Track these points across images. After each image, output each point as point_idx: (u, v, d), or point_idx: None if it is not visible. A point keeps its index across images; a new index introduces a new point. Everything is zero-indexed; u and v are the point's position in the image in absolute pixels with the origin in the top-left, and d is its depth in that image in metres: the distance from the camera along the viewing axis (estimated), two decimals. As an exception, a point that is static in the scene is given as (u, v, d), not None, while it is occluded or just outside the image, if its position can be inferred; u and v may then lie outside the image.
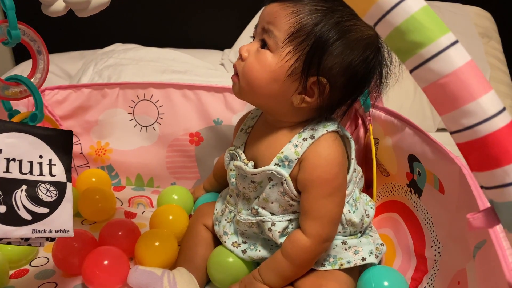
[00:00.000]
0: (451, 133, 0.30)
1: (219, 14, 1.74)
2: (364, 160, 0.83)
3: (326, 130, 0.60)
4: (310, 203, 0.59)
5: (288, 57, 0.55)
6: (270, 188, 0.61)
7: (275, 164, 0.60)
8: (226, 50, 1.62)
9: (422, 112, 1.29)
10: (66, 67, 1.49)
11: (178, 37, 1.71)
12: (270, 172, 0.60)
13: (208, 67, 1.39)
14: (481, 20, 1.67)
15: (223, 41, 1.67)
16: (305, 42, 0.55)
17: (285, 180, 0.60)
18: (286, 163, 0.60)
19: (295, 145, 0.60)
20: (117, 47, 1.49)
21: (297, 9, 0.55)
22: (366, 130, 0.82)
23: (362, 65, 0.57)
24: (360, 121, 0.83)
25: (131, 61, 1.31)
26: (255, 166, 0.63)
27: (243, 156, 0.65)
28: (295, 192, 0.60)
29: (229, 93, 0.92)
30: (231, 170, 0.67)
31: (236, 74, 0.61)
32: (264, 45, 0.58)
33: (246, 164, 0.63)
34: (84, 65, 1.38)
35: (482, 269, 0.42)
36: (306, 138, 0.60)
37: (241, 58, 0.60)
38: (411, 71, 0.30)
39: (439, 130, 1.33)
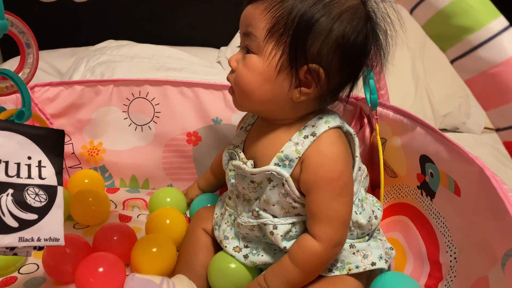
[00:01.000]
0: (499, 130, 0.26)
1: (215, 11, 1.70)
2: (370, 161, 0.80)
3: (328, 126, 0.57)
4: (317, 206, 0.56)
5: (272, 54, 0.53)
6: (270, 189, 0.58)
7: (275, 164, 0.57)
8: (222, 48, 1.59)
9: (423, 112, 1.27)
10: (56, 64, 1.44)
11: (172, 34, 1.68)
12: (269, 172, 0.57)
13: (204, 64, 1.36)
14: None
15: (219, 39, 1.63)
16: (284, 34, 0.52)
17: (286, 180, 0.57)
18: (287, 162, 0.57)
19: (295, 143, 0.57)
20: (110, 43, 1.45)
21: (268, 4, 0.53)
22: (372, 129, 0.79)
23: (352, 38, 0.53)
24: (365, 120, 0.80)
25: (125, 58, 1.27)
26: (255, 166, 0.60)
27: (242, 155, 0.63)
28: (297, 193, 0.57)
29: (229, 91, 0.88)
30: (230, 170, 0.65)
31: (231, 87, 0.60)
32: (248, 50, 0.56)
33: (245, 163, 0.60)
34: (75, 62, 1.34)
35: (515, 279, 0.39)
36: (307, 136, 0.57)
37: (231, 70, 0.58)
38: (453, 60, 0.27)
39: (440, 130, 1.31)
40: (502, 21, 0.25)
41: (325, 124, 0.57)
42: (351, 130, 0.61)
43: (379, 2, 0.56)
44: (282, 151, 0.57)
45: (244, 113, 0.73)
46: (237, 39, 1.57)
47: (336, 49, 0.53)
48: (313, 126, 0.57)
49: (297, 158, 0.56)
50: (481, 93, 0.26)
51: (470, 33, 0.25)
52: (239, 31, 0.59)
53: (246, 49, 0.56)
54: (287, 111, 0.58)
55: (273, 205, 0.59)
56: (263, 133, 0.61)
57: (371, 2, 0.55)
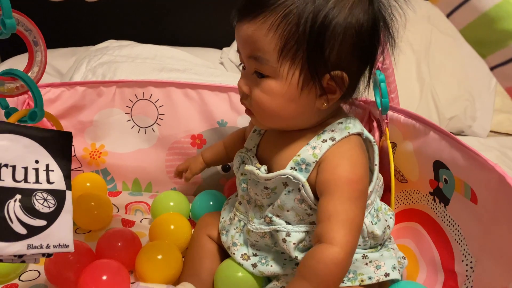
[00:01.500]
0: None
1: (217, 12, 1.68)
2: (379, 165, 0.79)
3: (348, 133, 0.55)
4: (335, 206, 0.52)
5: (291, 74, 0.52)
6: (285, 194, 0.56)
7: (291, 168, 0.55)
8: (225, 49, 1.57)
9: (429, 115, 1.26)
10: (56, 64, 1.42)
11: (174, 35, 1.66)
12: (285, 176, 0.55)
13: (207, 65, 1.34)
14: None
15: (221, 40, 1.62)
16: (299, 50, 0.50)
17: (302, 185, 0.55)
18: (303, 166, 0.55)
19: (313, 147, 0.55)
20: (111, 43, 1.43)
21: (271, 22, 0.50)
22: (382, 133, 0.78)
23: (365, 27, 0.51)
24: (375, 124, 0.79)
25: (127, 59, 1.25)
26: (269, 171, 0.58)
27: (254, 160, 0.61)
28: (313, 198, 0.55)
29: (234, 93, 0.87)
30: (241, 174, 0.63)
31: (248, 109, 0.58)
32: (261, 74, 0.53)
33: (259, 169, 0.58)
34: (76, 62, 1.32)
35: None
36: (326, 140, 0.55)
37: (243, 95, 0.57)
38: (494, 67, 0.26)
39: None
40: (552, 25, 0.24)
41: (345, 130, 0.56)
42: (371, 137, 0.60)
43: None
44: (299, 155, 0.55)
45: (244, 116, 0.71)
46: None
47: (354, 48, 0.52)
48: (332, 130, 0.56)
49: (314, 162, 0.54)
50: (527, 101, 0.25)
51: (517, 38, 0.24)
52: (237, 50, 0.57)
53: (257, 74, 0.54)
54: (312, 119, 0.57)
55: (288, 211, 0.57)
56: (279, 137, 0.60)
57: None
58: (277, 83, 0.53)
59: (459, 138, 0.59)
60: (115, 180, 0.93)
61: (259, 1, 0.51)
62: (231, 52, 1.49)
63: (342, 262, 0.50)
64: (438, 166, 0.63)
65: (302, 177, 0.55)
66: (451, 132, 1.42)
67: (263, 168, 0.58)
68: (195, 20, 1.69)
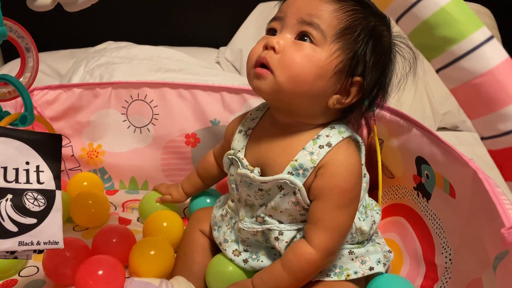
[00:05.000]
0: (483, 138, 0.27)
1: (214, 12, 1.70)
2: (368, 161, 0.80)
3: (342, 137, 0.56)
4: (323, 213, 0.55)
5: (336, 54, 0.52)
6: (280, 197, 0.57)
7: (288, 172, 0.56)
8: (221, 48, 1.59)
9: (423, 111, 1.27)
10: (56, 66, 1.45)
11: (171, 35, 1.68)
12: (282, 181, 0.56)
13: (203, 65, 1.36)
14: (481, 17, 1.64)
15: (218, 39, 1.63)
16: (356, 40, 0.53)
17: (298, 190, 0.55)
18: (301, 171, 0.55)
19: (310, 153, 0.55)
20: (109, 45, 1.45)
21: (340, 6, 0.53)
22: (370, 130, 0.79)
23: (389, 64, 0.58)
24: (363, 121, 0.80)
25: (124, 60, 1.28)
26: (262, 173, 0.58)
27: (245, 162, 0.60)
28: (308, 202, 0.56)
29: (227, 93, 0.88)
30: (231, 175, 0.64)
31: (265, 67, 0.53)
32: (303, 37, 0.53)
33: (252, 171, 0.58)
34: (74, 64, 1.34)
35: (505, 282, 0.39)
36: (323, 146, 0.55)
37: (273, 49, 0.53)
38: (438, 70, 0.27)
39: (439, 129, 1.31)
40: (484, 32, 0.26)
41: (339, 135, 0.56)
42: (359, 138, 0.61)
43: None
44: (296, 160, 0.55)
45: (241, 114, 0.72)
46: (237, 40, 1.57)
47: (384, 69, 0.57)
48: (327, 136, 0.56)
49: (312, 167, 0.55)
50: (466, 102, 0.27)
51: (453, 44, 0.26)
52: (278, 14, 0.55)
53: (300, 35, 0.53)
54: (315, 113, 0.57)
55: (281, 212, 0.58)
56: (272, 139, 0.59)
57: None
58: (321, 53, 0.52)
59: (454, 132, 0.60)
60: (112, 179, 0.95)
61: None
62: (227, 52, 1.51)
63: (315, 263, 0.56)
64: (420, 161, 0.64)
65: (299, 182, 0.55)
66: (445, 128, 1.42)
67: (256, 170, 0.58)
68: (192, 20, 1.71)
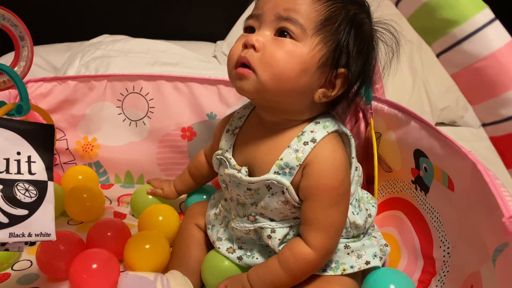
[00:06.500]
0: (485, 125, 0.26)
1: (211, 5, 1.69)
2: (365, 155, 0.80)
3: (327, 132, 0.55)
4: (315, 213, 0.55)
5: (318, 47, 0.51)
6: (269, 197, 0.56)
7: (275, 172, 0.55)
8: (218, 42, 1.58)
9: (421, 106, 1.26)
10: (51, 59, 1.43)
11: (168, 29, 1.67)
12: (269, 181, 0.55)
13: (200, 59, 1.35)
14: None
15: (215, 33, 1.62)
16: (336, 31, 0.52)
17: (286, 189, 0.55)
18: (287, 170, 0.55)
19: (295, 150, 0.55)
20: (105, 38, 1.44)
21: None
22: (367, 124, 0.79)
23: (372, 51, 0.57)
24: (360, 115, 0.80)
25: (120, 53, 1.26)
26: (250, 173, 0.58)
27: (233, 162, 0.59)
28: (297, 199, 0.56)
29: (223, 86, 0.88)
30: (221, 175, 0.63)
31: (247, 67, 0.52)
32: (282, 33, 0.52)
33: (239, 171, 0.58)
34: (70, 57, 1.33)
35: (505, 274, 0.38)
36: (307, 142, 0.55)
37: (253, 48, 0.51)
38: (439, 54, 0.26)
39: (437, 124, 1.31)
40: (487, 14, 0.25)
41: (324, 129, 0.56)
42: (347, 132, 0.60)
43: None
44: (281, 159, 0.55)
45: (238, 107, 0.71)
46: (234, 33, 1.56)
47: (365, 62, 0.55)
48: (312, 131, 0.55)
49: (298, 165, 0.54)
50: (467, 87, 0.26)
51: (455, 26, 0.25)
52: (255, 12, 0.54)
53: (278, 31, 0.52)
54: (301, 109, 0.56)
55: (271, 210, 0.58)
56: (258, 138, 0.59)
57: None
58: (302, 48, 0.51)
59: (452, 128, 0.60)
60: (107, 172, 0.94)
61: None
62: (224, 46, 1.50)
63: (313, 262, 0.56)
64: (418, 154, 0.64)
65: (286, 181, 0.54)
66: (443, 123, 1.42)
67: (244, 170, 0.57)
68: (189, 14, 1.70)
